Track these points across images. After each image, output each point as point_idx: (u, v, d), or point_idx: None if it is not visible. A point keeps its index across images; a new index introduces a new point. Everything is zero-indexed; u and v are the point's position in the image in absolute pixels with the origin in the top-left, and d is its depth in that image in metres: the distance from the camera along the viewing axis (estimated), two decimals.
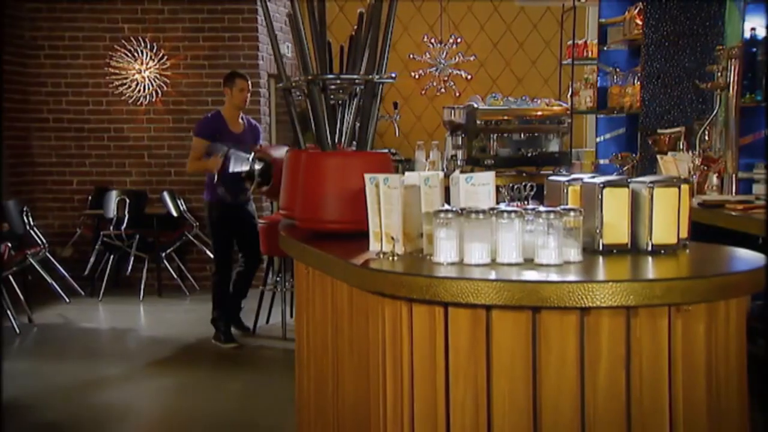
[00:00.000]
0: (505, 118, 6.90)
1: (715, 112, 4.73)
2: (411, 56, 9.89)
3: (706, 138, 4.86)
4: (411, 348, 2.24)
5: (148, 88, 8.23)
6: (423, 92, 9.98)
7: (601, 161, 6.78)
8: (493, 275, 2.18)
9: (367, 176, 2.50)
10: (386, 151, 3.25)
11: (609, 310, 2.11)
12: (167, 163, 8.26)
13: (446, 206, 2.46)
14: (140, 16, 8.33)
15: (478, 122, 6.76)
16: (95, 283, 7.79)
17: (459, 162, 6.74)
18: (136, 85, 8.24)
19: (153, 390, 5.33)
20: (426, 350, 2.22)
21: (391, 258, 2.42)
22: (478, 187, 2.51)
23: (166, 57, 8.24)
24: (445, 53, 9.90)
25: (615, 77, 6.50)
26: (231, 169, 5.47)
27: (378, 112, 3.04)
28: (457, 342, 2.18)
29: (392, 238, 2.42)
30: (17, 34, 8.29)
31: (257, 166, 3.95)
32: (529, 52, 10.03)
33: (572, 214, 2.33)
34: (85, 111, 8.35)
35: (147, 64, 8.25)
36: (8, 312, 6.55)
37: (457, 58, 9.90)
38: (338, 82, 3.06)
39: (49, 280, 7.32)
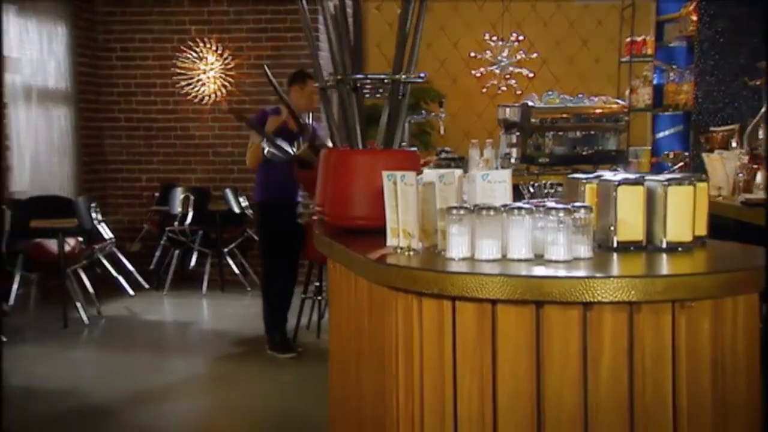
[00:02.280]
0: (562, 116, 6.88)
1: (764, 109, 4.66)
2: (472, 55, 9.92)
3: (760, 135, 4.79)
4: (421, 340, 2.32)
5: (213, 88, 8.48)
6: (484, 90, 10.00)
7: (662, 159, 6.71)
8: (498, 270, 2.24)
9: (384, 173, 2.58)
10: (414, 149, 3.33)
11: (611, 306, 2.16)
12: (230, 161, 8.50)
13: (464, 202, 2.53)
14: (206, 18, 8.58)
15: (533, 120, 6.76)
16: (161, 277, 8.06)
17: (513, 160, 6.75)
18: (202, 84, 8.50)
19: (210, 380, 5.54)
20: (435, 343, 2.30)
21: (407, 253, 2.50)
22: (495, 185, 2.57)
23: (230, 57, 8.47)
24: (506, 51, 9.90)
25: (671, 74, 6.43)
26: (265, 151, 5.48)
27: (406, 111, 3.12)
28: (464, 335, 2.25)
29: (409, 234, 2.50)
30: (91, 37, 8.64)
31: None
32: (592, 49, 9.95)
33: (582, 211, 2.37)
34: (153, 110, 8.65)
35: (212, 64, 8.49)
36: (77, 303, 6.85)
37: (518, 56, 9.89)
38: (368, 81, 3.14)
39: (116, 273, 7.62)
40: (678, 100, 6.22)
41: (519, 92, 9.79)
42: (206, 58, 8.50)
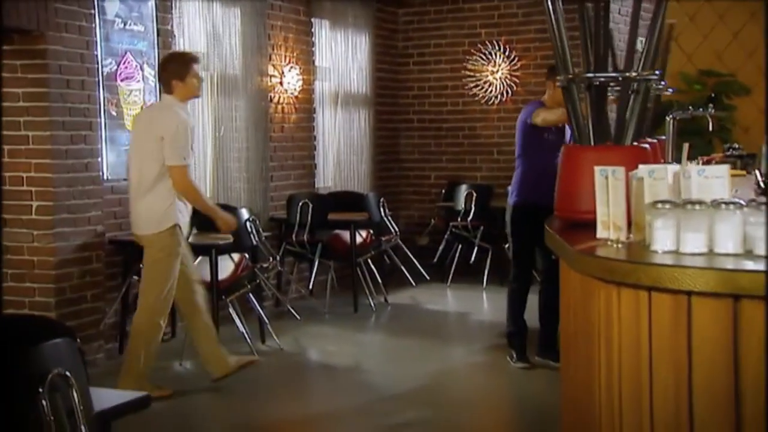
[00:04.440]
0: None
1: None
2: None
3: None
4: (619, 330, 2.39)
5: (499, 89, 8.75)
6: None
7: None
8: (698, 263, 2.25)
9: (596, 168, 2.66)
10: (645, 146, 3.30)
11: None
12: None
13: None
14: (496, 20, 8.87)
15: None
16: (444, 270, 8.47)
17: None
18: (489, 86, 8.80)
19: (480, 368, 5.82)
20: (632, 332, 2.35)
21: (615, 245, 2.57)
22: (712, 180, 2.55)
23: (517, 58, 8.69)
24: None
25: None
26: None
27: (639, 107, 3.14)
28: (660, 326, 2.29)
29: (618, 227, 2.57)
30: (391, 44, 9.30)
31: None
32: None
33: None
34: (444, 111, 9.11)
35: (499, 65, 8.77)
36: (366, 290, 7.45)
37: None
38: (603, 79, 3.20)
39: (400, 265, 8.14)
40: None
41: None
42: (494, 59, 8.79)
